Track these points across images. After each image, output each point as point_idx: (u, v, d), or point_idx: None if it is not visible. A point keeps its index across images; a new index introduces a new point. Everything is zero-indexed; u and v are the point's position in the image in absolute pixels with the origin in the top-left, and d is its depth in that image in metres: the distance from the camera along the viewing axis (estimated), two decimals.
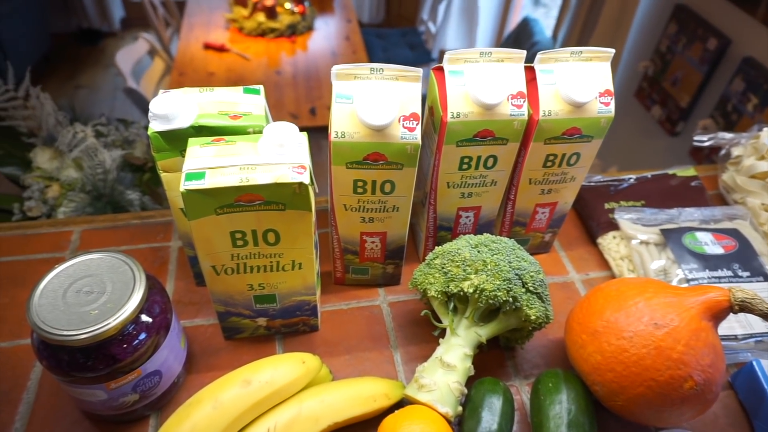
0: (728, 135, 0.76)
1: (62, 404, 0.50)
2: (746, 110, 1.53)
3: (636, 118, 2.03)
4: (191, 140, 0.45)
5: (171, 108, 0.46)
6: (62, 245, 0.64)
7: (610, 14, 2.01)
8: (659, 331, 0.45)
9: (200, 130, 0.47)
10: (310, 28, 2.26)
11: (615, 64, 2.04)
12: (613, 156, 2.13)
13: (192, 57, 2.04)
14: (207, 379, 0.51)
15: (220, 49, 2.06)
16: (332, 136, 0.47)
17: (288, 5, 2.23)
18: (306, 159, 0.44)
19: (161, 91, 0.49)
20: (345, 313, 0.60)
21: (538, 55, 0.51)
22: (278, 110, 1.81)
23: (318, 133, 1.79)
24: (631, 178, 0.74)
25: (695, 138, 0.76)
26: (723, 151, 0.76)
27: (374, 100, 0.46)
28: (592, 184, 0.73)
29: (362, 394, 0.49)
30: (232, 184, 0.41)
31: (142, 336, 0.44)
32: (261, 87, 0.52)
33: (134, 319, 0.43)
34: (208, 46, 2.07)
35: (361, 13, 3.50)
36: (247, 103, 0.50)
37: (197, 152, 0.44)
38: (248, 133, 0.48)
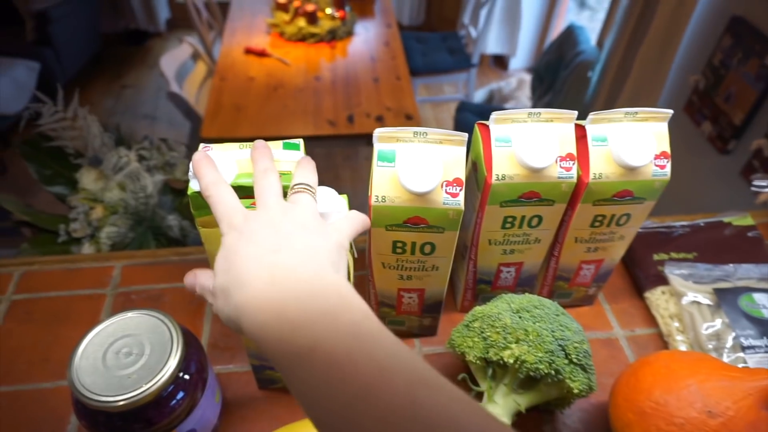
0: None
1: None
2: None
3: (684, 133, 1.94)
4: None
5: None
6: (104, 281, 0.65)
7: (662, 23, 1.93)
8: (713, 421, 0.42)
9: (239, 190, 0.46)
10: (350, 34, 2.25)
11: (663, 75, 1.97)
12: None
13: (233, 62, 2.07)
14: (241, 430, 0.51)
15: (261, 53, 2.08)
16: (372, 201, 0.46)
17: (329, 10, 2.23)
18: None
19: (201, 145, 0.49)
20: None
21: (590, 116, 0.48)
22: (316, 117, 1.81)
23: (355, 141, 1.78)
24: (682, 225, 0.70)
25: (754, 183, 0.72)
26: None
27: (417, 165, 0.45)
28: (640, 230, 0.70)
29: None
30: None
31: (179, 396, 0.44)
32: (300, 141, 0.51)
33: (172, 382, 0.43)
34: (249, 51, 2.10)
35: (401, 15, 3.48)
36: (286, 161, 0.49)
37: None
38: (286, 193, 0.47)
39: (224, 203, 0.37)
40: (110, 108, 2.85)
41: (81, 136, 0.98)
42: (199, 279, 0.37)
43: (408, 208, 0.46)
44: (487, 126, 0.49)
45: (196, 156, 0.40)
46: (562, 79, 2.13)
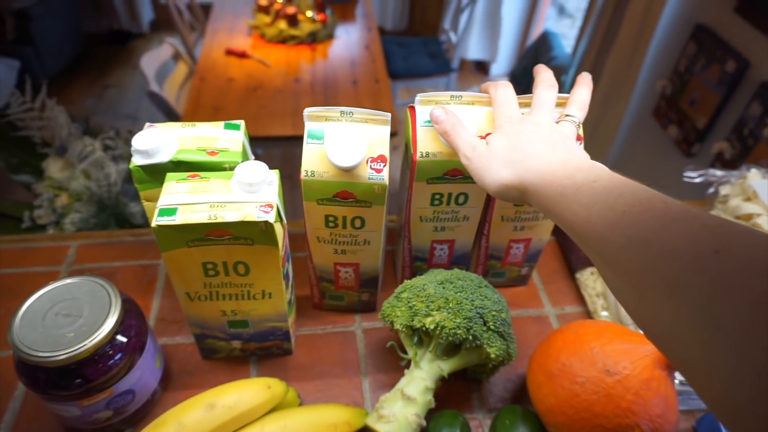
0: (719, 172, 0.75)
1: (44, 415, 0.53)
2: (762, 135, 1.50)
3: (652, 137, 2.00)
4: (168, 175, 0.48)
5: (152, 143, 0.48)
6: (59, 259, 0.67)
7: (630, 31, 1.99)
8: (610, 379, 0.46)
9: (179, 165, 0.50)
10: (330, 36, 2.29)
11: (632, 81, 2.02)
12: (626, 175, 2.10)
13: (214, 62, 2.09)
14: (182, 396, 0.53)
15: (242, 55, 2.11)
16: (302, 175, 0.49)
17: (309, 13, 2.26)
18: (274, 197, 0.46)
19: (147, 124, 0.52)
20: (320, 338, 0.62)
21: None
22: (295, 117, 1.84)
23: None
24: None
25: (685, 174, 0.76)
26: (712, 189, 0.75)
27: (343, 142, 0.48)
28: None
29: (324, 421, 0.51)
30: (201, 221, 0.44)
31: (117, 357, 0.47)
32: (242, 122, 0.54)
33: (108, 341, 0.46)
34: (230, 52, 2.12)
35: (384, 20, 3.52)
36: (226, 139, 0.52)
37: (173, 188, 0.46)
38: (224, 169, 0.50)
39: (505, 105, 0.48)
40: (92, 107, 2.86)
41: (48, 126, 1.00)
42: (458, 130, 0.47)
43: (336, 183, 0.49)
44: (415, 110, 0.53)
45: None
46: None
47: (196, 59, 2.38)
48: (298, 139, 1.90)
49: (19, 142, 1.00)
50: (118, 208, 0.99)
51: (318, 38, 2.24)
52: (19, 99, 1.01)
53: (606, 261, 0.34)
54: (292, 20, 2.21)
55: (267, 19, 2.25)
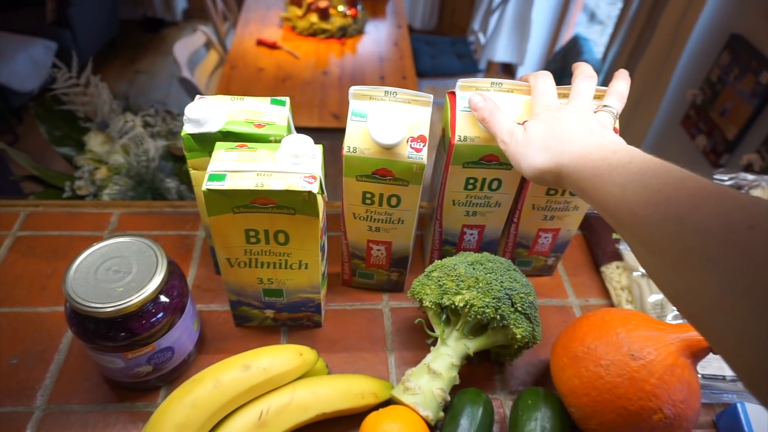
0: (750, 176, 0.76)
1: (87, 367, 0.56)
2: None
3: (680, 146, 1.99)
4: (218, 144, 0.50)
5: (203, 113, 0.51)
6: (102, 225, 0.70)
7: (663, 38, 1.98)
8: (635, 362, 0.47)
9: (227, 135, 0.52)
10: (360, 32, 2.31)
11: (663, 89, 2.01)
12: None
13: (245, 52, 2.13)
14: (215, 359, 0.56)
15: (272, 46, 2.14)
16: (345, 150, 0.51)
17: (341, 8, 2.29)
18: (317, 170, 0.48)
19: (198, 96, 0.54)
20: (348, 314, 0.64)
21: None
22: (322, 109, 1.87)
23: None
24: None
25: (715, 176, 0.77)
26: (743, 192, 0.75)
27: (385, 121, 0.50)
28: None
29: (352, 389, 0.53)
30: (249, 187, 0.46)
31: (160, 315, 0.49)
32: (287, 99, 0.56)
33: (153, 299, 0.49)
34: (260, 43, 2.16)
35: (413, 19, 3.54)
36: (272, 114, 0.54)
37: (222, 156, 0.49)
38: (270, 141, 0.52)
39: (543, 94, 0.49)
40: (123, 91, 2.92)
41: (91, 102, 1.04)
42: (496, 117, 0.49)
43: (376, 160, 0.51)
44: (455, 95, 0.54)
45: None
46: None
47: (227, 48, 2.42)
48: (324, 131, 1.93)
49: (62, 116, 1.04)
50: (155, 183, 1.02)
51: (348, 33, 2.26)
52: (65, 74, 1.05)
53: (640, 239, 0.35)
54: (324, 14, 2.24)
55: (299, 11, 2.28)
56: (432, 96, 0.51)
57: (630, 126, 2.14)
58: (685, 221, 0.31)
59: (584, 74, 0.50)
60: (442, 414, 0.52)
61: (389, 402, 0.54)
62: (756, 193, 0.74)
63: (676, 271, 0.32)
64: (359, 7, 2.34)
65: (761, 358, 0.26)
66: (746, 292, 0.27)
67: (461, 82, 0.53)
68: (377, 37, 2.32)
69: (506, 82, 0.53)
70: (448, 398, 0.53)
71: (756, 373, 0.27)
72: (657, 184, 0.35)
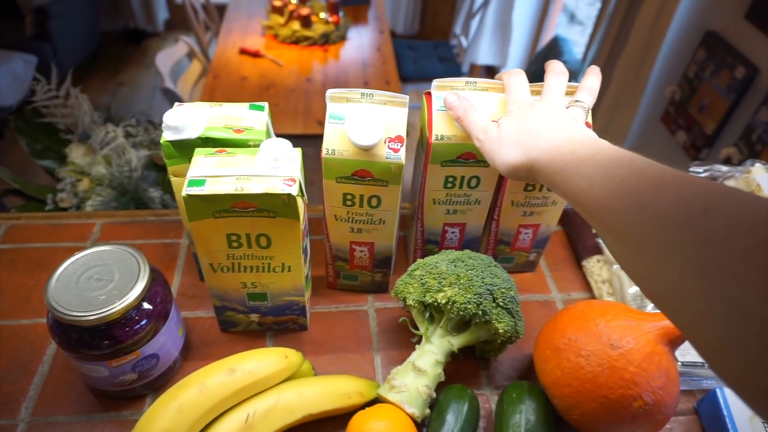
0: (724, 168, 0.77)
1: (71, 378, 0.56)
2: None
3: (661, 142, 2.02)
4: (197, 150, 0.50)
5: (182, 120, 0.51)
6: (85, 236, 0.70)
7: (640, 37, 2.01)
8: (614, 352, 0.48)
9: (206, 141, 0.52)
10: (343, 38, 2.32)
11: (642, 87, 2.04)
12: None
13: (228, 61, 2.13)
14: (201, 366, 0.55)
15: (255, 54, 2.15)
16: (323, 153, 0.52)
17: (323, 15, 2.30)
18: (297, 173, 0.49)
19: (176, 104, 0.55)
20: (333, 315, 0.64)
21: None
22: (306, 116, 1.87)
23: None
24: None
25: (691, 169, 0.78)
26: None
27: (363, 122, 0.50)
28: None
29: (338, 390, 0.53)
30: (228, 192, 0.46)
31: (143, 322, 0.50)
32: (266, 104, 0.57)
33: (136, 306, 0.49)
34: (243, 51, 2.16)
35: (395, 24, 3.56)
36: (251, 119, 0.55)
37: (201, 161, 0.49)
38: (249, 146, 0.53)
39: (516, 91, 0.51)
40: (106, 104, 2.91)
41: (72, 113, 1.04)
42: (470, 115, 0.50)
43: (355, 161, 0.52)
44: (431, 95, 0.55)
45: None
46: None
47: (210, 58, 2.42)
48: (308, 138, 1.93)
49: (43, 128, 1.04)
50: (138, 193, 1.02)
51: (330, 39, 2.27)
52: (44, 87, 1.04)
53: (607, 227, 0.36)
54: (306, 21, 2.25)
55: (281, 19, 2.29)
56: (408, 97, 0.52)
57: (611, 124, 2.17)
58: (647, 208, 0.32)
59: (555, 71, 0.52)
60: (428, 411, 0.53)
61: (376, 401, 0.55)
62: (730, 183, 0.76)
63: (639, 256, 0.33)
64: (341, 13, 2.35)
65: (718, 336, 0.27)
66: (702, 273, 0.28)
67: (437, 82, 0.54)
68: (360, 43, 2.33)
69: (481, 81, 0.54)
70: (434, 395, 0.53)
71: (714, 350, 0.28)
72: (621, 175, 0.36)
